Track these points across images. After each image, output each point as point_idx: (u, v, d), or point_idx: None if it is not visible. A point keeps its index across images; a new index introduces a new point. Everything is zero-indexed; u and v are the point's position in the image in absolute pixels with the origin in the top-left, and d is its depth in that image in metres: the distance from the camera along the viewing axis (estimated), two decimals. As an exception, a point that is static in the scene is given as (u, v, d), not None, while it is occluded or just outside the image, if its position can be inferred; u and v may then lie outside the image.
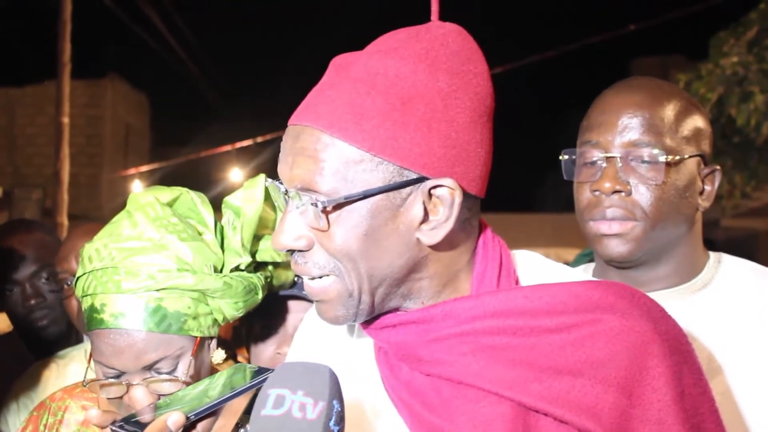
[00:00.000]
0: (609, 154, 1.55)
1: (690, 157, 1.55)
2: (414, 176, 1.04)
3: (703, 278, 1.61)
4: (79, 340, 2.61)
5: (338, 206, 1.04)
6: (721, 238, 11.24)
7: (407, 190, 1.05)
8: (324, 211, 1.04)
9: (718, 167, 1.64)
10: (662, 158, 1.51)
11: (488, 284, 1.14)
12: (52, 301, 2.52)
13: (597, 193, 1.56)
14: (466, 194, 1.08)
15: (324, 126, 1.04)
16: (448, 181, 1.05)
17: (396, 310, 1.14)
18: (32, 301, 2.48)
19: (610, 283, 1.14)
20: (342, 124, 1.03)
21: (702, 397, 1.10)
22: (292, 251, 1.11)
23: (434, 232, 1.07)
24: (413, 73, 1.05)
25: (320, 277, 1.10)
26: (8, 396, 2.15)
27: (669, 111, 1.55)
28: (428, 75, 1.05)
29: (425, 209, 1.06)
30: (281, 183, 1.11)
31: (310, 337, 1.33)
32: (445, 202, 1.06)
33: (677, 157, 1.53)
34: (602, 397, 1.04)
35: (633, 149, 1.53)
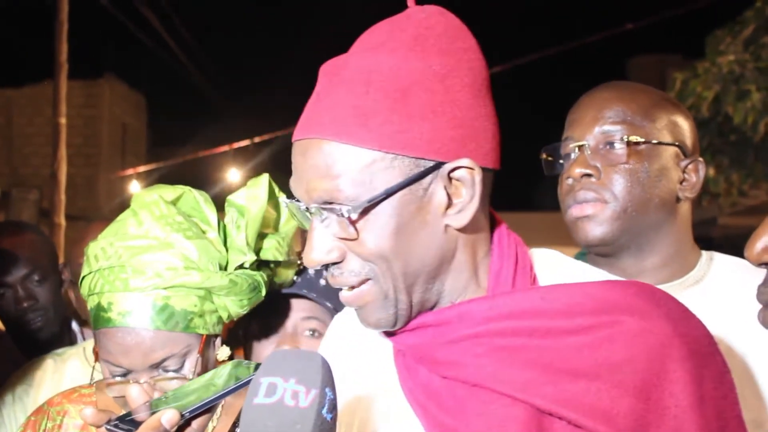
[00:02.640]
0: (579, 143, 1.61)
1: (662, 144, 1.59)
2: (430, 164, 1.04)
3: (695, 275, 1.63)
4: (72, 342, 2.62)
5: (364, 212, 1.03)
6: (718, 236, 11.24)
7: (427, 179, 1.05)
8: (350, 220, 1.03)
9: (700, 159, 1.66)
10: (632, 138, 1.57)
11: (504, 283, 1.13)
12: (45, 303, 2.53)
13: (570, 180, 1.61)
14: (483, 170, 1.07)
15: (331, 135, 1.03)
16: (465, 161, 1.05)
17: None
18: (25, 304, 2.49)
19: (631, 283, 1.13)
20: (348, 128, 1.02)
21: (724, 400, 1.06)
22: (326, 266, 1.10)
23: (461, 215, 1.07)
24: (406, 63, 1.04)
25: (359, 285, 1.09)
26: (4, 389, 2.15)
27: (640, 102, 1.62)
28: (421, 61, 1.04)
29: (448, 194, 1.06)
30: (298, 201, 1.10)
31: (334, 343, 1.33)
32: (466, 183, 1.06)
33: (642, 139, 1.58)
34: (618, 401, 1.01)
35: (602, 136, 1.59)
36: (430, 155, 1.03)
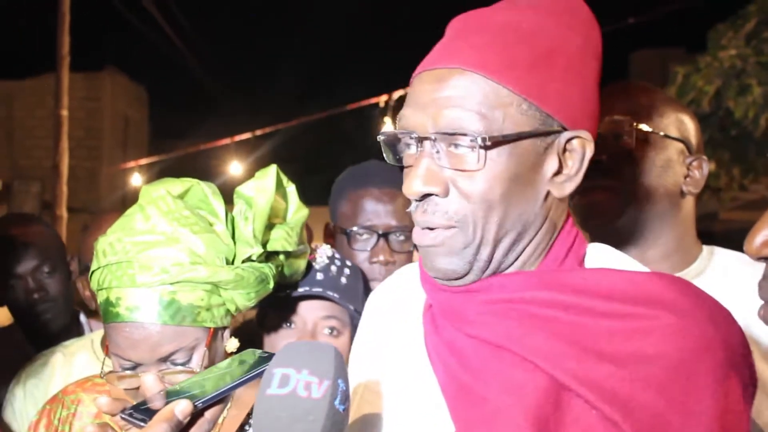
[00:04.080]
0: None
1: (668, 137, 1.63)
2: (556, 126, 1.08)
3: (696, 268, 1.65)
4: (80, 334, 2.63)
5: (494, 144, 1.04)
6: (719, 231, 11.25)
7: (550, 138, 1.08)
8: (481, 146, 1.03)
9: (704, 156, 1.69)
10: (634, 125, 1.61)
11: (552, 262, 1.14)
12: (55, 295, 2.54)
13: None
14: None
15: (477, 67, 1.05)
16: (584, 133, 1.09)
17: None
18: (35, 295, 2.50)
19: (676, 278, 1.11)
20: (495, 66, 1.05)
21: (742, 415, 1.03)
22: (421, 199, 1.09)
23: (564, 185, 1.11)
24: (555, 27, 1.09)
25: (444, 228, 1.09)
26: (15, 384, 2.16)
27: (650, 97, 1.66)
28: (569, 31, 1.10)
29: (560, 161, 1.09)
30: (409, 132, 1.09)
31: (368, 316, 1.36)
32: (576, 155, 1.10)
33: (651, 129, 1.62)
34: (639, 393, 0.99)
35: (612, 125, 1.63)
36: (559, 116, 1.07)
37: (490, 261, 1.10)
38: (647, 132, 1.61)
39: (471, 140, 1.04)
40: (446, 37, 1.13)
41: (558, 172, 1.10)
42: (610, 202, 1.61)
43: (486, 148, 1.04)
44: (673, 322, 1.03)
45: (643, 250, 1.65)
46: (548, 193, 1.10)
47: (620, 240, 1.65)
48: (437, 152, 1.07)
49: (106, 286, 1.41)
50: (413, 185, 1.07)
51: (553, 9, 1.11)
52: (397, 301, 1.30)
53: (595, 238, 1.71)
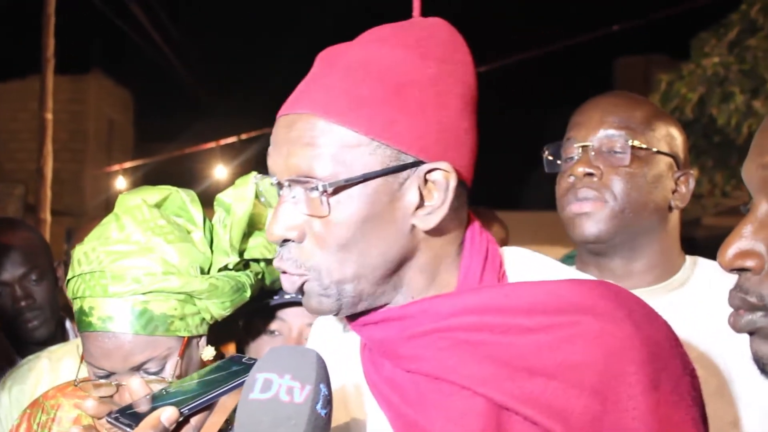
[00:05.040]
0: (583, 143, 1.66)
1: (659, 153, 1.65)
2: (411, 160, 1.06)
3: (680, 278, 1.68)
4: (65, 339, 2.61)
5: (338, 189, 1.04)
6: (702, 236, 11.33)
7: (404, 174, 1.06)
8: (325, 194, 1.04)
9: (692, 171, 1.72)
10: (636, 143, 1.63)
11: (472, 279, 1.14)
12: (42, 302, 2.52)
13: (571, 178, 1.66)
14: (458, 180, 1.09)
15: (321, 112, 1.05)
16: (443, 165, 1.07)
17: (386, 305, 1.14)
18: (23, 303, 2.48)
19: (595, 283, 1.13)
20: (339, 109, 1.04)
21: (677, 405, 1.05)
22: (282, 243, 1.10)
23: (429, 217, 1.08)
24: (406, 61, 1.07)
25: (297, 276, 1.10)
26: (0, 390, 2.15)
27: (642, 112, 1.68)
28: (421, 62, 1.07)
29: (421, 194, 1.08)
30: (271, 176, 1.11)
31: (316, 336, 1.36)
32: (440, 187, 1.08)
33: (644, 146, 1.64)
34: (573, 401, 1.02)
35: (606, 140, 1.65)
36: (413, 151, 1.05)
37: (359, 296, 1.10)
38: (641, 148, 1.63)
39: (312, 187, 1.04)
40: (308, 75, 1.13)
41: (420, 205, 1.08)
42: (601, 216, 1.63)
43: (329, 194, 1.04)
44: (595, 326, 1.05)
45: (628, 263, 1.68)
46: (414, 226, 1.09)
47: (607, 252, 1.67)
48: (294, 197, 1.07)
49: (80, 295, 1.42)
50: (271, 230, 1.09)
51: (407, 40, 1.09)
52: (337, 335, 1.29)
53: (582, 250, 1.73)
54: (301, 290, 1.12)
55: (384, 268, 1.09)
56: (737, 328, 0.94)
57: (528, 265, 1.21)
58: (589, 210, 1.63)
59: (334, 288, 1.09)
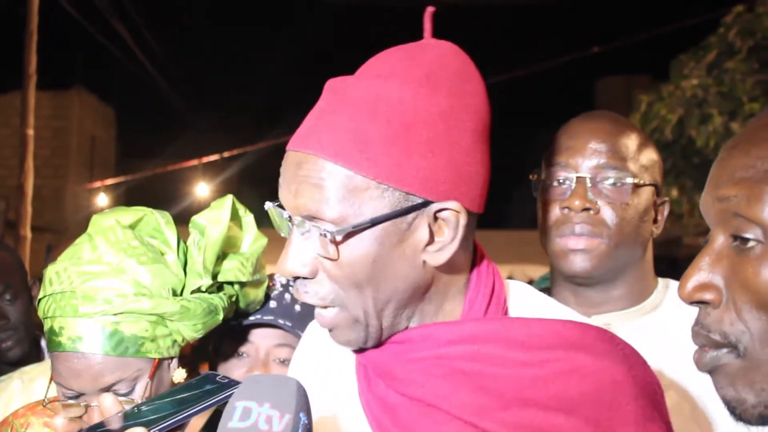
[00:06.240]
0: (579, 174, 1.62)
1: (647, 184, 1.64)
2: (419, 201, 1.05)
3: (652, 301, 1.69)
4: (40, 359, 2.57)
5: (347, 236, 1.04)
6: (683, 255, 11.42)
7: (413, 214, 1.06)
8: (333, 240, 1.04)
9: (667, 199, 1.73)
10: (629, 180, 1.61)
11: (477, 311, 1.14)
12: (16, 323, 2.49)
13: (566, 210, 1.63)
14: (468, 213, 1.09)
15: (328, 155, 1.04)
16: (453, 204, 1.06)
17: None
18: None
19: (592, 327, 1.15)
20: (346, 152, 1.03)
21: None
22: (296, 278, 1.11)
23: (440, 254, 1.08)
24: (415, 99, 1.05)
25: (324, 308, 1.11)
26: None
27: (631, 141, 1.65)
28: (430, 99, 1.05)
29: (431, 231, 1.08)
30: (283, 208, 1.10)
31: (305, 351, 1.36)
32: (450, 224, 1.08)
33: (640, 182, 1.62)
34: (565, 426, 1.04)
35: (601, 171, 1.62)
36: (421, 193, 1.05)
37: (381, 328, 1.12)
38: (635, 184, 1.61)
39: (321, 233, 1.04)
40: (315, 107, 1.12)
41: (431, 242, 1.08)
42: (595, 253, 1.61)
43: (335, 241, 1.05)
44: (589, 363, 1.07)
45: (608, 290, 1.67)
46: (425, 262, 1.09)
47: (590, 281, 1.66)
48: (307, 231, 1.07)
49: (50, 314, 1.41)
50: (285, 267, 1.09)
51: (416, 73, 1.07)
52: (333, 350, 1.29)
53: (559, 275, 1.72)
54: (330, 324, 1.12)
55: (398, 302, 1.10)
56: (701, 366, 0.95)
57: (529, 301, 1.22)
58: (584, 246, 1.61)
59: (362, 321, 1.10)
